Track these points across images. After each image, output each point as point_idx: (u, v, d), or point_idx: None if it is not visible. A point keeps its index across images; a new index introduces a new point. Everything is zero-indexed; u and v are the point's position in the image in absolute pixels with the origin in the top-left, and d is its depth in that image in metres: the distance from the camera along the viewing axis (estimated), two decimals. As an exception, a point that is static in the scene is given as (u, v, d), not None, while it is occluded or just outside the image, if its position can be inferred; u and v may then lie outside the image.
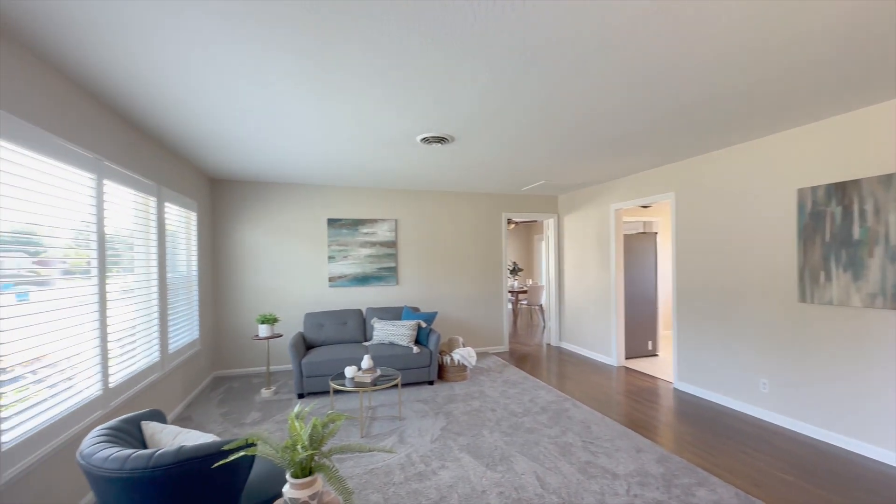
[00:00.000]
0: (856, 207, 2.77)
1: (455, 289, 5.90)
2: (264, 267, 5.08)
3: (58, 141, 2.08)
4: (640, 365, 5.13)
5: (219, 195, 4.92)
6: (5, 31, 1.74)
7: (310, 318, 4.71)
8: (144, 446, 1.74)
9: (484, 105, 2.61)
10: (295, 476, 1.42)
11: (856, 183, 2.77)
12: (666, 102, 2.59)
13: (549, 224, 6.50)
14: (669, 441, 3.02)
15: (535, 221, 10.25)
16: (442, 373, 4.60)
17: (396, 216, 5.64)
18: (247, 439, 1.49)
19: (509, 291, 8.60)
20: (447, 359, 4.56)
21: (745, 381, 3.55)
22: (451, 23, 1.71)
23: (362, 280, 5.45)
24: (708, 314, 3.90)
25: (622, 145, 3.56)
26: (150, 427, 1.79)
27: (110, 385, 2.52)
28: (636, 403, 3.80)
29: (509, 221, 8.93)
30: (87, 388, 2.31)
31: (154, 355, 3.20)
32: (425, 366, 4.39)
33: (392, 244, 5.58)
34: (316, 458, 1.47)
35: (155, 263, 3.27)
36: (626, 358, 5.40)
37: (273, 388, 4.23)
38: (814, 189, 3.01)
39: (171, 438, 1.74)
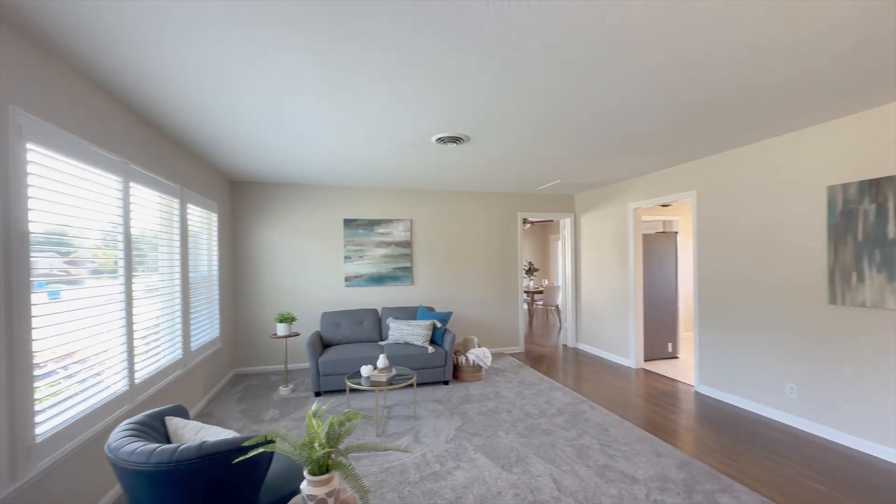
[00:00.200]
0: (891, 205, 2.64)
1: (470, 289, 5.89)
2: (282, 266, 5.17)
3: (88, 146, 2.16)
4: (660, 367, 5.02)
5: (238, 196, 5.03)
6: (42, 43, 1.81)
7: (326, 317, 4.77)
8: (168, 441, 1.79)
9: (499, 104, 2.60)
10: (312, 473, 1.44)
11: (891, 179, 2.64)
12: (687, 99, 2.53)
13: (566, 223, 6.42)
14: (690, 446, 2.94)
15: (551, 221, 10.14)
16: (457, 373, 4.60)
17: (411, 216, 5.66)
18: (265, 436, 1.51)
19: (525, 292, 8.53)
20: (462, 359, 4.55)
21: (771, 386, 3.43)
22: (466, 23, 1.71)
23: (378, 280, 5.49)
24: (731, 316, 3.79)
25: (641, 143, 3.48)
26: (173, 422, 1.83)
27: (136, 381, 2.61)
28: (656, 407, 3.71)
29: (525, 221, 8.86)
30: (115, 383, 2.39)
31: (177, 352, 3.29)
32: (440, 366, 4.39)
33: (407, 244, 5.60)
34: (333, 455, 1.48)
35: (178, 263, 3.37)
36: (645, 360, 5.29)
37: (291, 386, 4.30)
38: (845, 186, 2.88)
39: (193, 434, 1.78)
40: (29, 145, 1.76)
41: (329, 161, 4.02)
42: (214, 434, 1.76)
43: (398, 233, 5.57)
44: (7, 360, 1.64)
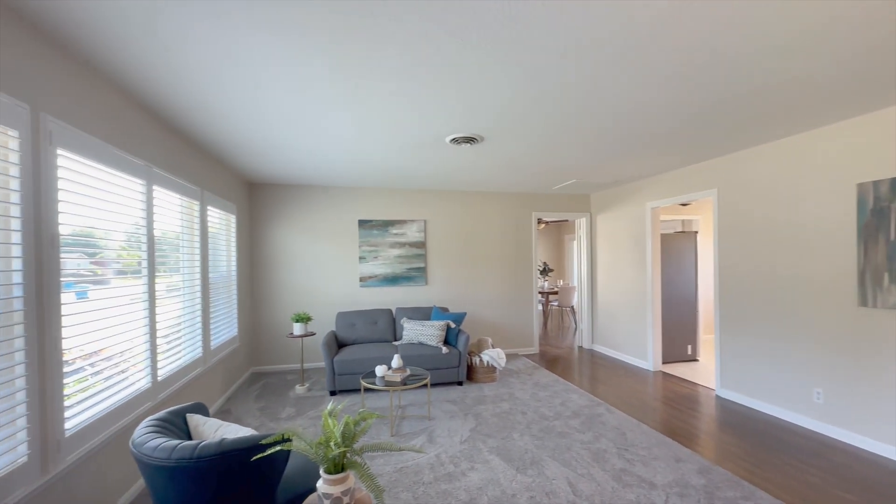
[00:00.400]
0: (926, 203, 2.52)
1: (484, 289, 5.87)
2: (298, 267, 5.25)
3: (113, 150, 2.23)
4: (679, 370, 4.90)
5: (256, 198, 5.13)
6: (70, 50, 1.88)
7: (341, 317, 4.83)
8: (189, 437, 1.83)
9: (514, 104, 2.58)
10: (328, 472, 1.45)
11: (926, 176, 2.52)
12: (708, 95, 2.46)
13: (581, 223, 6.34)
14: (711, 451, 2.87)
15: (567, 221, 10.02)
16: (471, 374, 4.59)
17: (425, 217, 5.67)
18: (282, 434, 1.54)
19: (539, 292, 8.46)
20: (476, 360, 4.54)
21: (797, 390, 3.31)
22: (481, 22, 1.70)
23: (392, 280, 5.52)
24: (754, 318, 3.67)
25: (660, 141, 3.41)
26: (194, 419, 1.88)
27: (159, 378, 2.68)
28: (675, 410, 3.63)
29: (539, 221, 8.79)
30: (138, 380, 2.47)
31: (197, 351, 3.37)
32: (454, 366, 4.39)
33: (421, 244, 5.62)
34: (348, 455, 1.49)
35: (198, 264, 3.45)
36: (664, 362, 5.18)
37: (307, 385, 4.36)
38: (876, 184, 2.77)
39: (213, 431, 1.82)
40: (59, 151, 1.83)
41: (344, 162, 4.06)
42: (233, 431, 1.80)
43: (412, 233, 5.59)
44: (38, 357, 1.71)
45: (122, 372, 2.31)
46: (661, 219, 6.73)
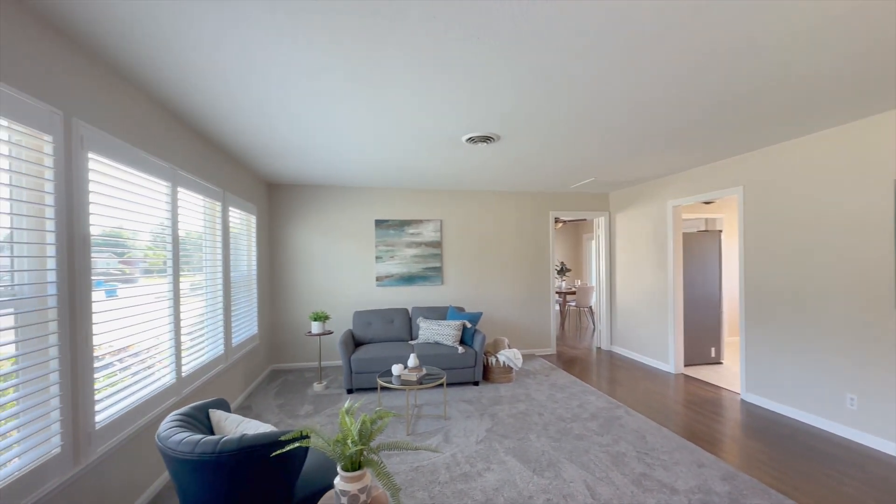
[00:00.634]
0: (971, 199, 2.37)
1: (500, 289, 5.84)
2: (316, 266, 5.33)
3: (140, 153, 2.31)
4: (702, 373, 4.77)
5: (276, 199, 5.23)
6: (99, 56, 1.96)
7: (358, 316, 4.87)
8: (211, 432, 1.88)
9: (530, 101, 2.55)
10: (345, 469, 1.47)
11: (971, 171, 2.37)
12: (732, 88, 2.38)
13: (600, 222, 6.23)
14: (736, 457, 2.77)
15: (585, 220, 9.87)
16: (487, 374, 4.57)
17: (441, 216, 5.68)
18: (301, 431, 1.56)
19: (557, 292, 8.36)
20: (492, 360, 4.51)
21: (828, 396, 3.17)
22: (496, 20, 1.69)
23: (408, 280, 5.54)
24: (782, 320, 3.54)
25: (682, 137, 3.32)
26: (216, 415, 1.93)
27: (183, 374, 2.76)
28: (697, 414, 3.53)
29: (557, 220, 8.68)
30: (164, 376, 2.55)
31: (219, 348, 3.46)
32: (470, 366, 4.38)
33: (437, 244, 5.63)
34: (365, 452, 1.51)
35: (220, 263, 3.54)
36: (686, 365, 5.05)
37: (324, 383, 4.42)
38: (915, 179, 2.62)
39: (234, 426, 1.87)
40: (90, 154, 1.91)
41: (361, 163, 4.10)
42: (253, 427, 1.84)
43: (428, 233, 5.60)
44: (71, 353, 1.78)
45: (149, 367, 2.39)
46: (683, 217, 6.55)
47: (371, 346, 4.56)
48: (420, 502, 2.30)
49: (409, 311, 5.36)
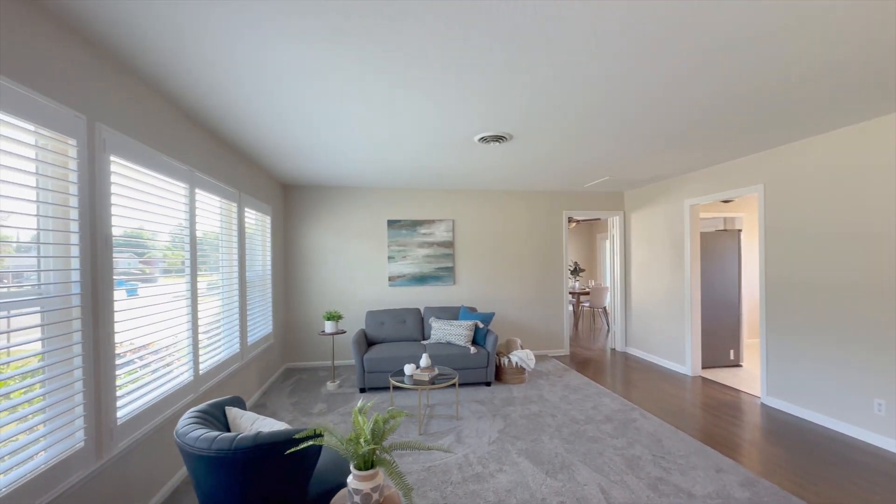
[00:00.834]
0: None
1: (513, 289, 5.80)
2: (330, 266, 5.38)
3: (159, 155, 2.37)
4: (720, 376, 4.66)
5: (290, 199, 5.30)
6: (119, 61, 2.01)
7: (371, 315, 4.91)
8: (227, 429, 1.92)
9: (543, 100, 2.53)
10: (358, 468, 1.48)
11: None
12: (752, 83, 2.32)
13: (615, 222, 6.14)
14: (756, 462, 2.70)
15: (599, 219, 9.74)
16: (499, 374, 4.55)
17: (454, 216, 5.67)
18: (315, 430, 1.58)
19: (570, 293, 8.27)
20: (505, 360, 4.49)
21: (854, 400, 3.07)
22: (511, 19, 1.67)
23: (420, 280, 5.55)
24: (805, 322, 3.43)
25: (699, 134, 3.25)
26: (232, 412, 1.96)
27: (200, 372, 2.82)
28: (715, 418, 3.45)
29: (570, 220, 8.59)
30: (182, 373, 2.60)
31: (235, 346, 3.53)
32: (482, 366, 4.37)
33: (449, 244, 5.63)
34: (377, 452, 1.51)
35: (236, 263, 3.61)
36: (703, 367, 4.94)
37: (337, 382, 4.46)
38: (948, 176, 2.51)
39: (249, 424, 1.90)
40: (112, 157, 1.96)
41: (374, 164, 4.12)
42: (268, 425, 1.86)
43: (440, 233, 5.60)
44: (94, 350, 1.84)
45: (168, 365, 2.45)
46: (700, 216, 6.41)
47: (383, 345, 4.58)
48: (432, 502, 2.30)
49: (422, 311, 5.37)
